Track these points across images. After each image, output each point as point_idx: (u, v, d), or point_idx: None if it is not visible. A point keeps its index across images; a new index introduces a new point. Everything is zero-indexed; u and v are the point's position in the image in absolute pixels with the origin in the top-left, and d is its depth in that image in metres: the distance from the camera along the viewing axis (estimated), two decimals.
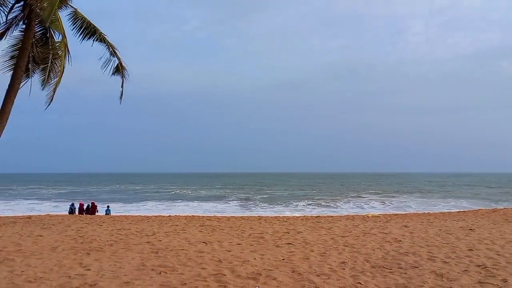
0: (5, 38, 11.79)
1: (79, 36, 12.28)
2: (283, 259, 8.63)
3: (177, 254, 9.19)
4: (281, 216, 23.39)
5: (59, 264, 8.08)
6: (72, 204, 25.82)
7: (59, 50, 12.36)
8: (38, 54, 12.20)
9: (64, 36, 12.32)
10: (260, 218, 20.26)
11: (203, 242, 11.01)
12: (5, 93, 10.84)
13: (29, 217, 19.81)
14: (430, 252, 9.26)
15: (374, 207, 36.91)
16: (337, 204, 39.67)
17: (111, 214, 24.14)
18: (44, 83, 12.30)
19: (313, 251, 9.68)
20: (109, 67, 12.73)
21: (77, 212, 24.74)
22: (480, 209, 26.35)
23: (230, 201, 44.51)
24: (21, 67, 10.98)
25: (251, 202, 42.06)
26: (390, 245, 10.43)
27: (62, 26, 12.19)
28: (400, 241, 11.09)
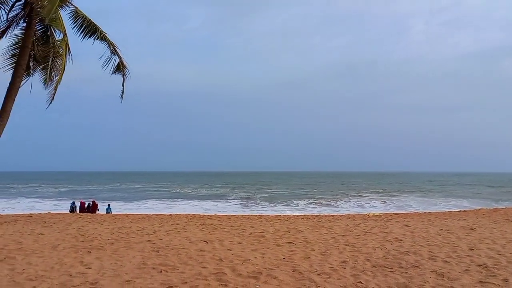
0: (6, 37, 11.80)
1: (80, 35, 12.28)
2: (284, 258, 8.63)
3: (178, 253, 9.20)
4: (282, 215, 23.40)
5: (60, 262, 8.09)
6: (73, 203, 25.84)
7: (60, 49, 12.37)
8: (39, 52, 12.21)
9: (65, 35, 12.32)
10: (260, 217, 20.26)
11: (204, 241, 11.01)
12: (6, 91, 10.85)
13: (30, 215, 19.83)
14: (431, 252, 9.25)
15: (374, 206, 36.88)
16: (338, 203, 39.63)
17: (112, 213, 24.16)
18: (46, 81, 12.31)
19: (314, 250, 9.67)
20: (110, 65, 12.75)
21: (78, 211, 24.77)
22: (481, 209, 26.32)
23: (231, 200, 44.49)
24: (22, 65, 10.98)
25: (252, 201, 42.01)
26: (391, 244, 10.42)
27: (63, 24, 12.19)
28: (401, 240, 11.08)
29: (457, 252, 9.18)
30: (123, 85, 12.97)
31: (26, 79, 12.23)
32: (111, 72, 12.80)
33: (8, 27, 11.68)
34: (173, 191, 60.81)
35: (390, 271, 7.39)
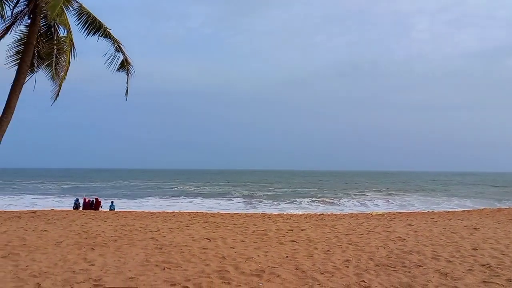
0: (10, 33, 11.84)
1: (84, 32, 12.26)
2: (287, 257, 8.62)
3: (181, 250, 9.21)
4: (284, 213, 23.41)
5: (63, 259, 8.11)
6: (77, 200, 25.96)
7: (64, 45, 12.39)
8: (43, 49, 12.23)
9: (69, 31, 12.33)
10: (263, 215, 20.26)
11: (207, 239, 11.02)
12: (10, 87, 10.89)
13: (34, 212, 19.92)
14: (435, 251, 9.23)
15: (377, 205, 36.87)
16: (341, 202, 39.64)
17: (115, 210, 24.23)
18: (53, 77, 12.33)
19: (316, 248, 9.67)
20: (114, 62, 12.72)
21: (81, 208, 24.86)
22: (484, 209, 26.25)
23: (234, 198, 44.55)
24: (26, 62, 11.02)
25: (255, 199, 42.05)
26: (394, 243, 10.40)
27: (67, 21, 12.20)
28: (404, 239, 11.06)
29: (461, 252, 9.15)
30: (127, 82, 12.97)
31: (30, 75, 12.27)
32: (115, 69, 12.77)
33: (12, 23, 11.72)
34: (175, 188, 60.95)
35: (393, 270, 7.37)
